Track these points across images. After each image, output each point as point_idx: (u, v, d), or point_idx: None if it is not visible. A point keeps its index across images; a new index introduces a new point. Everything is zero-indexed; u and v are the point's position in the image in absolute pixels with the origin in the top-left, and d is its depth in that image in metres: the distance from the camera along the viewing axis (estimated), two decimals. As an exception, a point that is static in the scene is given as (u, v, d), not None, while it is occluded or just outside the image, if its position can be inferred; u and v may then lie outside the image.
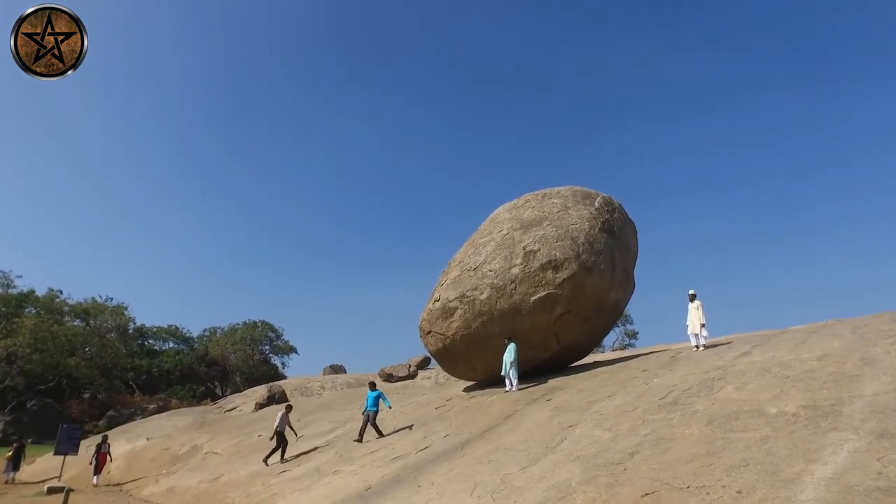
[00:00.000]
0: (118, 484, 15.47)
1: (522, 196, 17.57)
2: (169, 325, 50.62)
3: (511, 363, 13.10)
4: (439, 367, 42.35)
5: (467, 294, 14.15)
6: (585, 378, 12.44)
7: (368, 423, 13.07)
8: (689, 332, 12.43)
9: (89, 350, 33.28)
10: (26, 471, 17.43)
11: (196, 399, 39.50)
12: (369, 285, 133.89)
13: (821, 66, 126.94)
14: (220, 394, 48.88)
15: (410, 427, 12.84)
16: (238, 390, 51.42)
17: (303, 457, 13.24)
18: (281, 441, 13.42)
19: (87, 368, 31.80)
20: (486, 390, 14.41)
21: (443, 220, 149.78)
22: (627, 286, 16.00)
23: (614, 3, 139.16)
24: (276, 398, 25.10)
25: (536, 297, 13.49)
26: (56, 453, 15.56)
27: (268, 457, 13.19)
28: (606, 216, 15.68)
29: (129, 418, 34.40)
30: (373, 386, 13.98)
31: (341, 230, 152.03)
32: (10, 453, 16.52)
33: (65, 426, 16.00)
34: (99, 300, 42.13)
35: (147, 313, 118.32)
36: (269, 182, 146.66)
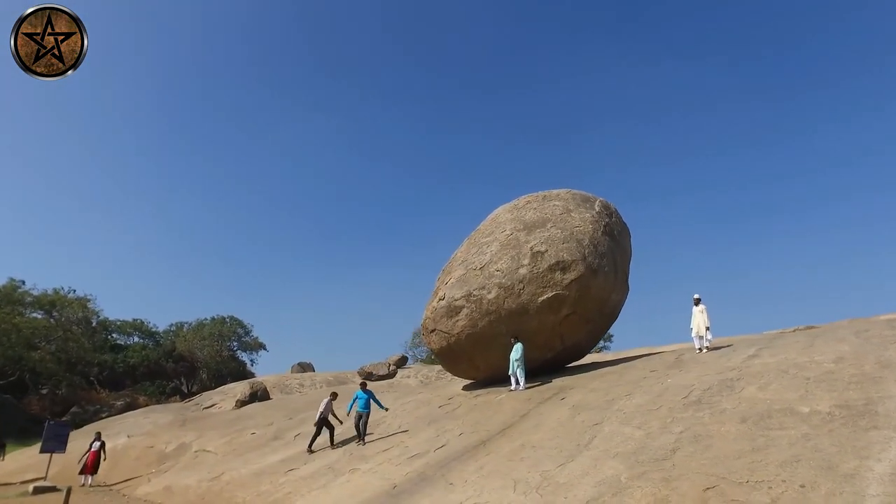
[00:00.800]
0: (106, 484, 14.82)
1: (521, 197, 17.74)
2: (134, 319, 48.73)
3: (518, 362, 13.25)
4: (417, 366, 42.16)
5: (474, 293, 14.19)
6: (593, 378, 12.69)
7: (361, 423, 12.80)
8: (694, 334, 12.87)
9: (53, 344, 31.59)
10: (-2, 470, 16.45)
11: (165, 396, 38.17)
12: (335, 283, 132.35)
13: (815, 70, 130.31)
14: (186, 391, 47.40)
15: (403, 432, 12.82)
16: (205, 387, 50.03)
17: (309, 455, 13.02)
18: (323, 428, 13.34)
19: (53, 363, 30.21)
20: (490, 389, 14.49)
21: (410, 219, 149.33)
22: (625, 289, 16.40)
23: (597, 8, 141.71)
24: (259, 395, 24.57)
25: (544, 297, 13.67)
26: (42, 451, 14.74)
27: (311, 444, 13.16)
28: (607, 220, 16.04)
29: (95, 415, 32.99)
30: (364, 386, 13.58)
31: (309, 227, 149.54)
32: None
33: (51, 422, 15.18)
34: (62, 292, 40.12)
35: (108, 307, 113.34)
36: (234, 176, 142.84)
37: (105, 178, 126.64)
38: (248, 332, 56.75)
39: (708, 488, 5.68)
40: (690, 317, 13.08)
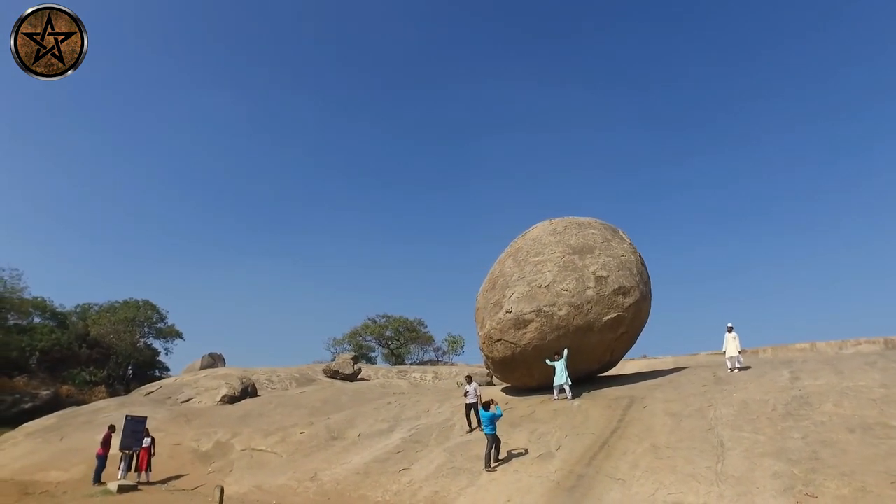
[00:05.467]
0: (154, 482, 14.01)
1: (554, 220, 19.54)
2: (34, 297, 42.67)
3: (566, 374, 15.12)
4: (366, 366, 42.37)
5: (545, 309, 15.73)
6: (651, 388, 14.80)
7: (494, 448, 12.02)
8: (727, 356, 15.62)
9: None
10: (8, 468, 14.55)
11: (92, 385, 34.39)
12: (233, 271, 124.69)
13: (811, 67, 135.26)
14: (91, 380, 42.65)
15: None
16: (111, 375, 45.32)
17: (396, 456, 13.60)
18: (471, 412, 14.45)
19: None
20: (541, 396, 16.05)
21: (308, 211, 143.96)
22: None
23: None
24: (250, 391, 23.75)
25: (608, 317, 15.65)
26: (121, 447, 13.42)
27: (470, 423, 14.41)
28: (638, 251, 18.51)
29: (15, 406, 29.05)
30: (487, 406, 12.51)
31: (216, 213, 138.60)
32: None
33: (129, 418, 13.81)
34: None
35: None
36: (114, 147, 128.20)
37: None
38: (162, 319, 52.63)
39: (894, 482, 7.89)
40: (723, 341, 15.85)
